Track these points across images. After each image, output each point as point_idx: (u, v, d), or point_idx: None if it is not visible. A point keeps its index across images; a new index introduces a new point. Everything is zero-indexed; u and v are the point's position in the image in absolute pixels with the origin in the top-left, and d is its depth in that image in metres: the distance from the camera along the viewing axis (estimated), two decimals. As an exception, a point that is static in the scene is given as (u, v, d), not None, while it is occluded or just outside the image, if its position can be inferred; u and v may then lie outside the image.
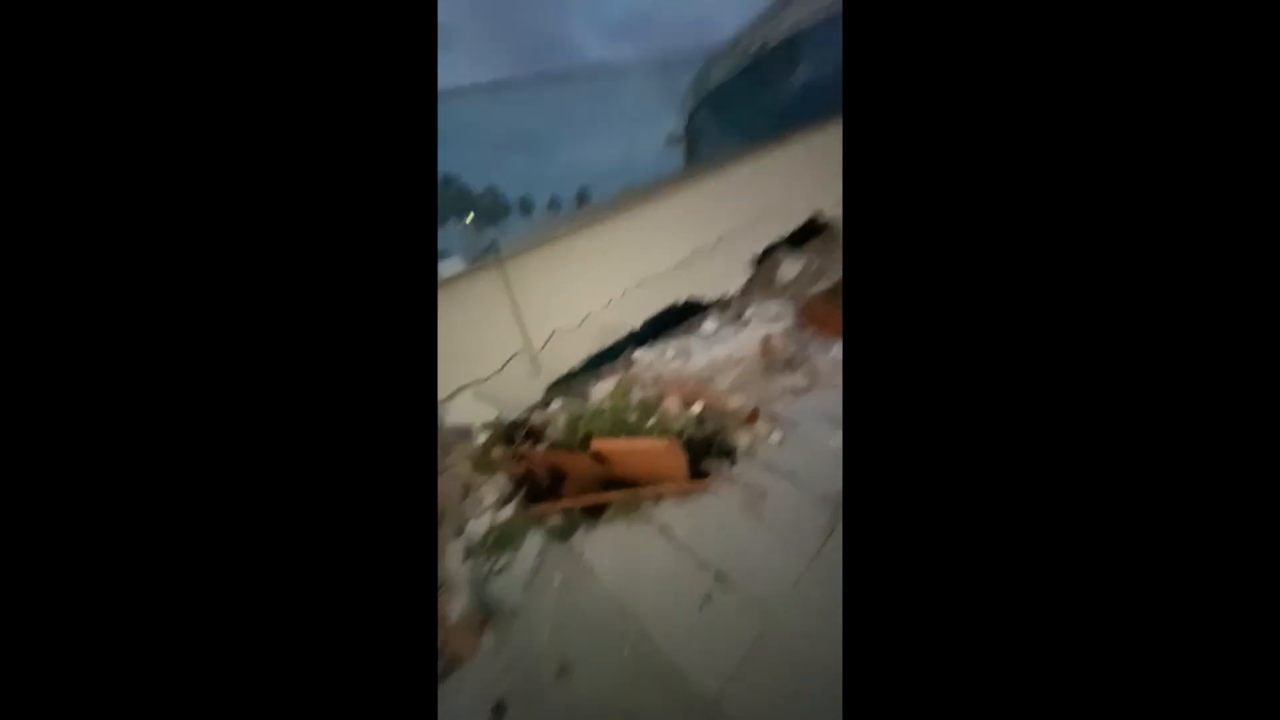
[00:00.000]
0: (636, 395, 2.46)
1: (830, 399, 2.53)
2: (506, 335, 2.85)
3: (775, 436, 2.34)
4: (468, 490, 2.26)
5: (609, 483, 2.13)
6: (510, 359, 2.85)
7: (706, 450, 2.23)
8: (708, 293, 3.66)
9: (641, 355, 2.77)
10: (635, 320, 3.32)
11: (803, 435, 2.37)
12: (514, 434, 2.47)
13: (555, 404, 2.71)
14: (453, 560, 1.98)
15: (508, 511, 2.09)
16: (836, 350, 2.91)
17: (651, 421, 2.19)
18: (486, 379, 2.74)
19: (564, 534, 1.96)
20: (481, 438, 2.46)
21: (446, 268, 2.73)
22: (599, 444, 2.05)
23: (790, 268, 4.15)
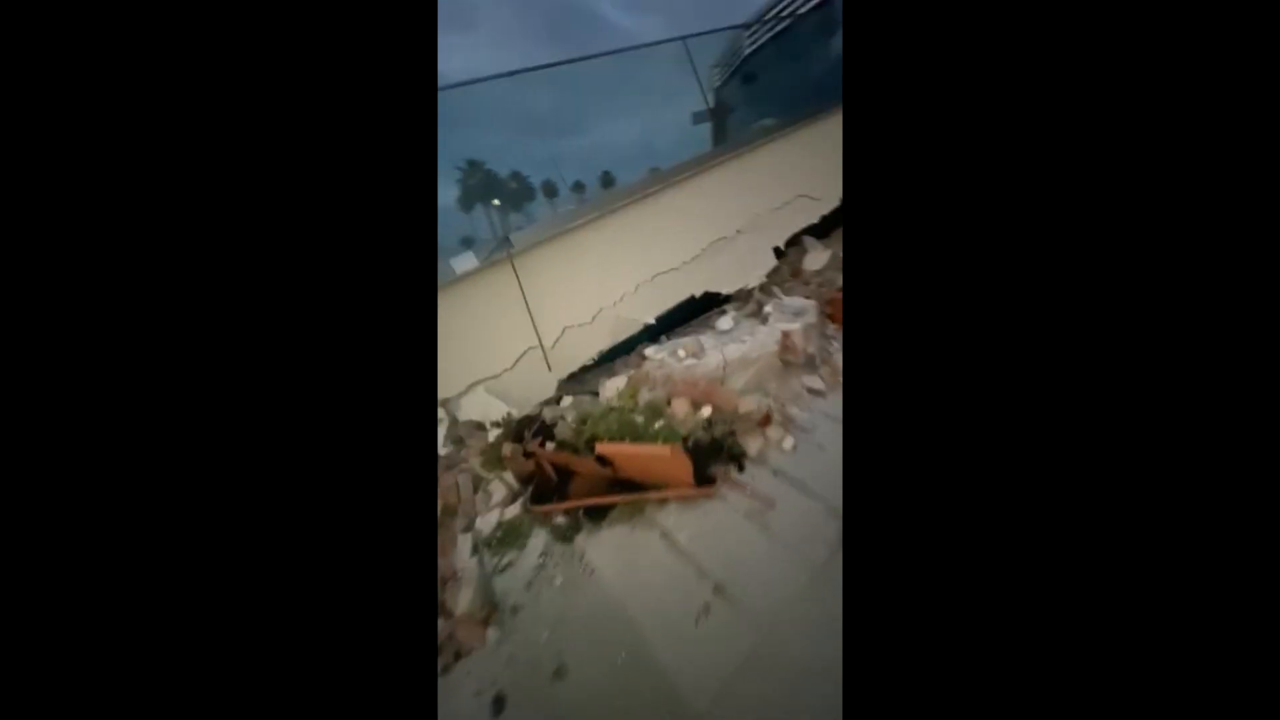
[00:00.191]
0: (645, 396, 2.43)
1: (848, 403, 2.42)
2: (519, 331, 2.87)
3: (788, 442, 2.27)
4: (479, 485, 2.32)
5: (615, 483, 2.13)
6: (523, 355, 2.87)
7: (715, 454, 2.19)
8: (726, 286, 3.55)
9: (653, 353, 2.73)
10: (649, 315, 3.27)
11: (817, 441, 2.29)
12: (524, 431, 2.50)
13: (566, 401, 2.72)
14: (462, 553, 2.05)
15: (515, 509, 2.13)
16: (859, 350, 2.77)
17: (659, 424, 2.16)
18: (499, 375, 2.77)
19: (567, 534, 1.99)
20: (493, 434, 2.50)
21: (460, 264, 2.75)
22: (603, 448, 2.05)
23: (817, 258, 3.95)
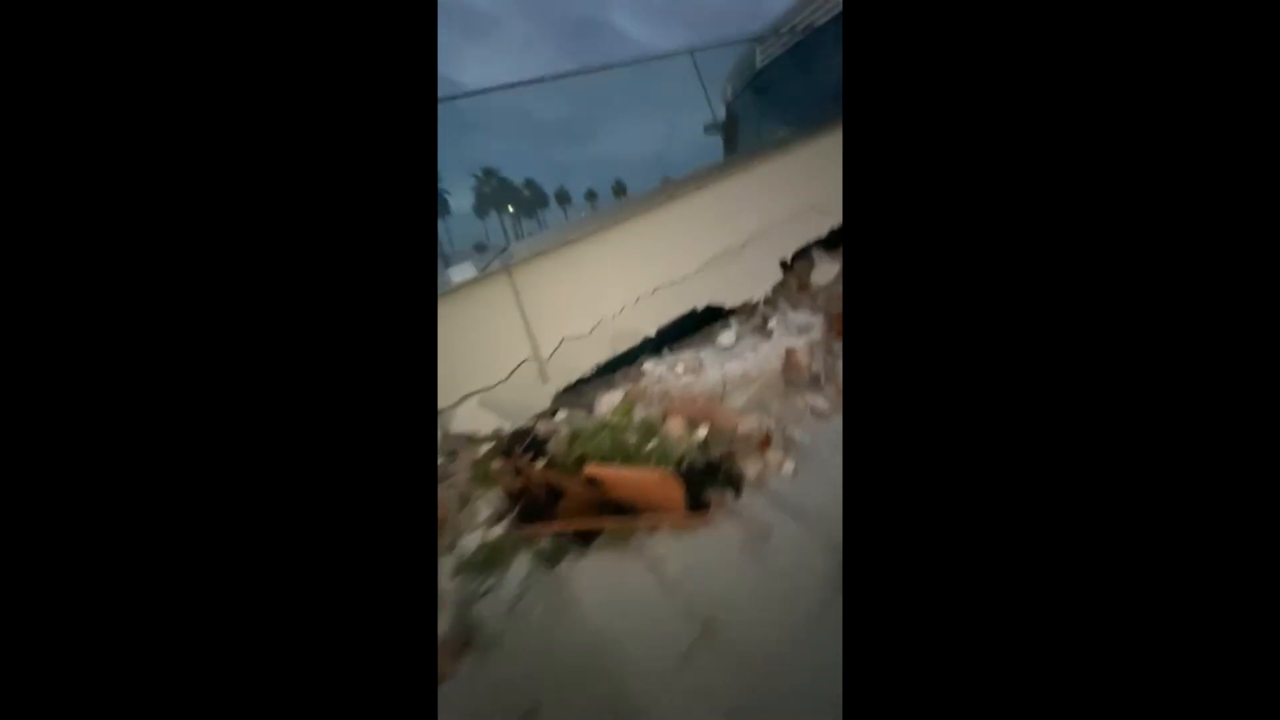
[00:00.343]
0: (640, 413, 2.34)
1: (853, 427, 2.30)
2: (516, 342, 2.81)
3: (788, 467, 2.16)
4: (465, 502, 2.24)
5: (606, 504, 2.04)
6: (518, 366, 2.81)
7: (710, 478, 2.09)
8: (730, 299, 3.46)
9: (651, 368, 2.64)
10: (650, 328, 3.19)
11: (819, 466, 2.17)
12: (515, 446, 2.42)
13: (560, 415, 2.64)
14: (443, 575, 1.96)
15: (500, 529, 2.05)
16: (866, 369, 2.65)
17: (652, 444, 2.07)
18: (493, 387, 2.71)
19: (552, 559, 1.89)
20: (483, 448, 2.43)
21: (457, 273, 2.71)
22: (592, 469, 1.96)
23: (825, 271, 3.84)
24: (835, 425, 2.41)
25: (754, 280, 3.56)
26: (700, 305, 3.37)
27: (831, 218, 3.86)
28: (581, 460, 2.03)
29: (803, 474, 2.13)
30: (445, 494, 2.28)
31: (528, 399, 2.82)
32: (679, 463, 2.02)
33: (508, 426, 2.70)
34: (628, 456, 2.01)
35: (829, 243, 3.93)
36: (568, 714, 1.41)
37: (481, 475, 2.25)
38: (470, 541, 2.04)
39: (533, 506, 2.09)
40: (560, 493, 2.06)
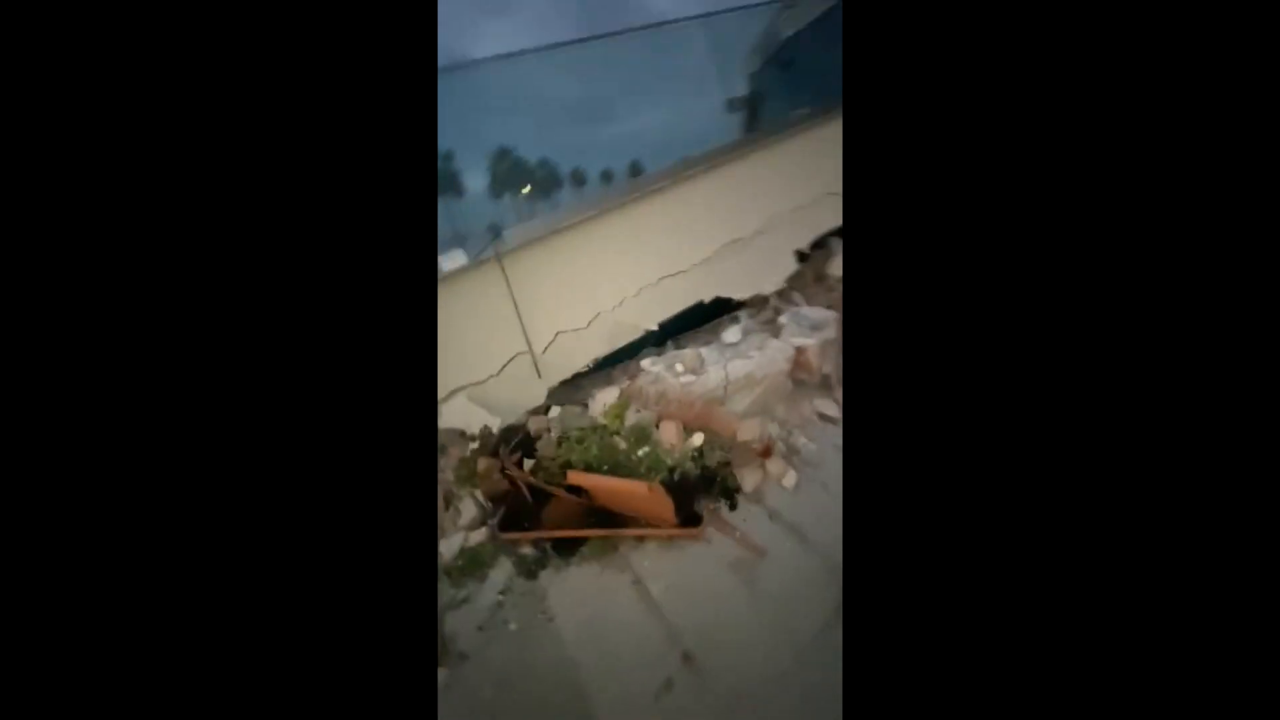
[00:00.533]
0: (633, 417, 2.20)
1: (864, 436, 2.13)
2: (510, 334, 2.68)
3: (790, 478, 2.00)
4: (449, 502, 2.16)
5: (593, 512, 1.93)
6: (511, 360, 2.69)
7: (705, 488, 1.95)
8: (740, 291, 3.25)
9: (649, 366, 2.49)
10: (651, 321, 3.02)
11: (822, 478, 2.01)
12: (503, 445, 2.32)
13: (553, 412, 2.52)
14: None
15: (482, 534, 1.96)
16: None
17: (643, 451, 1.94)
18: (484, 381, 2.61)
19: (533, 569, 1.80)
20: (471, 446, 2.34)
21: (449, 261, 2.58)
22: (575, 477, 1.84)
23: (842, 262, 3.60)
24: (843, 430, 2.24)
25: (766, 271, 3.34)
26: (707, 297, 3.18)
27: (853, 204, 3.59)
28: (567, 467, 1.91)
29: (805, 486, 1.98)
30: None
31: (520, 394, 2.71)
32: (671, 471, 1.89)
33: (498, 423, 2.60)
34: (618, 463, 1.89)
35: (849, 231, 3.67)
36: (534, 744, 1.32)
37: (467, 475, 2.16)
38: (450, 546, 1.96)
39: (517, 511, 1.99)
40: (548, 496, 1.95)
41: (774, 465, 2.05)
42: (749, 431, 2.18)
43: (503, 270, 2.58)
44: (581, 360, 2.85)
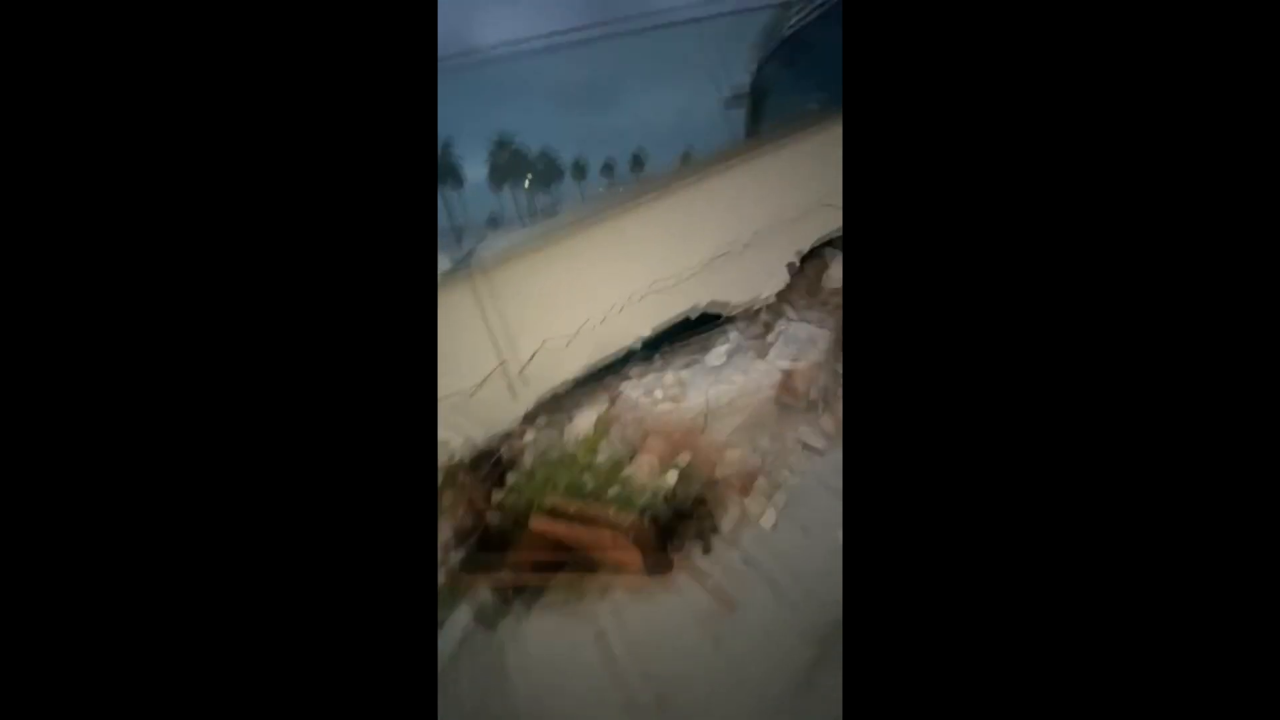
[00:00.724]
0: (606, 450, 2.10)
1: (848, 474, 2.02)
2: (486, 347, 2.58)
3: (768, 518, 1.90)
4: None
5: (561, 551, 1.84)
6: (490, 374, 2.58)
7: (679, 526, 1.86)
8: (730, 303, 3.13)
9: (629, 391, 2.38)
10: (639, 334, 2.91)
11: (805, 517, 1.91)
12: (475, 471, 2.23)
13: (529, 436, 2.42)
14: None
15: (442, 576, 1.87)
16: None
17: (613, 491, 1.84)
18: (456, 395, 2.50)
19: (493, 617, 1.71)
20: (442, 473, 2.24)
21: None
22: (539, 524, 1.74)
23: (838, 273, 3.46)
24: (830, 462, 2.13)
25: (757, 283, 3.21)
26: (696, 310, 3.06)
27: (851, 212, 3.45)
28: (537, 504, 1.82)
29: (783, 528, 1.88)
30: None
31: (497, 410, 2.61)
32: (642, 513, 1.79)
33: (474, 440, 2.50)
34: (585, 502, 1.79)
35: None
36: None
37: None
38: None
39: (480, 550, 1.90)
40: (509, 539, 1.86)
41: (753, 503, 1.95)
42: (729, 464, 2.08)
43: (487, 280, 2.47)
44: (563, 375, 2.74)
